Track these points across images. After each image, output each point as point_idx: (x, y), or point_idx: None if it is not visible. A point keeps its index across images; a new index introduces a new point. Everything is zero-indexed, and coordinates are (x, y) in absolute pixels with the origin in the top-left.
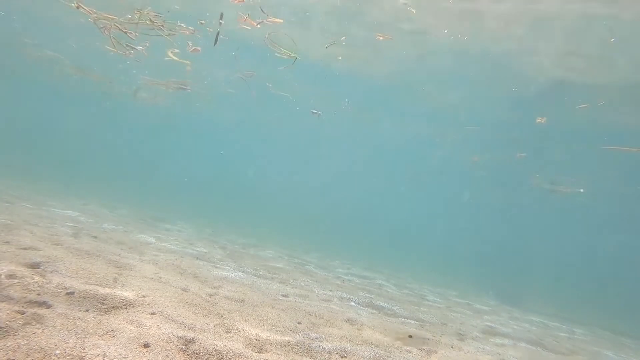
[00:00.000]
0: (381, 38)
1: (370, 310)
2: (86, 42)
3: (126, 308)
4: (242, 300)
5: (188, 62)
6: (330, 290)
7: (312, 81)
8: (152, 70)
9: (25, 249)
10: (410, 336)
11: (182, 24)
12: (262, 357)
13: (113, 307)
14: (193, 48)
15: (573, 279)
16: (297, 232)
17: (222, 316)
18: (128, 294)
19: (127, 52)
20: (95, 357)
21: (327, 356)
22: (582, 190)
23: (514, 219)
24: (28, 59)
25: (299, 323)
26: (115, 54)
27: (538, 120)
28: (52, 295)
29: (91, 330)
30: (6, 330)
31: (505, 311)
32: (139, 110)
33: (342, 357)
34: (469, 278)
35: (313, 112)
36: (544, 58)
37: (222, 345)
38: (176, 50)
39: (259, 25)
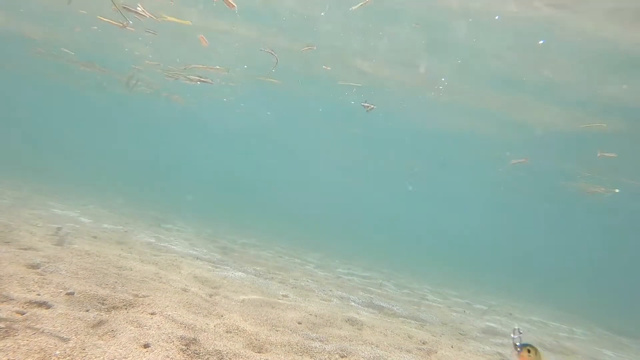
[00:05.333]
0: None
1: (370, 310)
2: (87, 28)
3: (126, 308)
4: (242, 301)
5: (189, 22)
6: (330, 290)
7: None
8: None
9: (25, 249)
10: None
11: None
12: (262, 357)
13: (113, 307)
14: None
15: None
16: (297, 232)
17: (222, 316)
18: (128, 294)
19: (124, 22)
20: (96, 357)
21: (327, 356)
22: (617, 190)
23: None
24: (35, 56)
25: (299, 323)
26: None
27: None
28: (52, 296)
29: (91, 331)
30: (6, 331)
31: (505, 311)
32: (139, 109)
33: (342, 357)
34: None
35: (364, 106)
36: None
37: (222, 345)
38: None
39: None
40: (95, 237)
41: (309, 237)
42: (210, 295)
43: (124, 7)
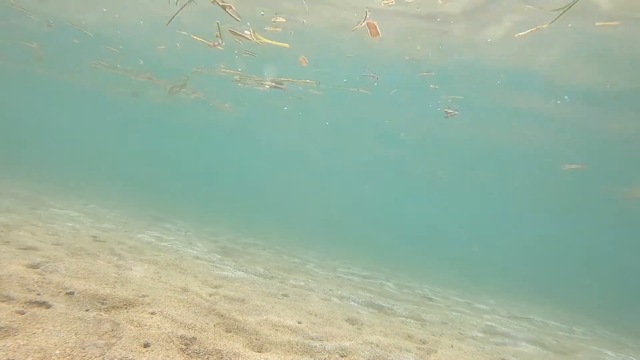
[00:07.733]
0: None
1: (371, 309)
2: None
3: (126, 308)
4: (242, 300)
5: (287, 45)
6: (331, 290)
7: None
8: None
9: (25, 249)
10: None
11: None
12: (262, 357)
13: (113, 307)
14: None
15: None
16: (297, 232)
17: (222, 316)
18: (128, 293)
19: (215, 42)
20: (95, 357)
21: (327, 356)
22: None
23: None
24: (95, 67)
25: (299, 322)
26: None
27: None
28: (52, 295)
29: (91, 330)
30: (6, 331)
31: (505, 310)
32: (142, 109)
33: (342, 356)
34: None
35: (447, 112)
36: None
37: (222, 345)
38: (281, 19)
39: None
40: (95, 237)
41: (309, 237)
42: (211, 295)
43: (230, 31)
